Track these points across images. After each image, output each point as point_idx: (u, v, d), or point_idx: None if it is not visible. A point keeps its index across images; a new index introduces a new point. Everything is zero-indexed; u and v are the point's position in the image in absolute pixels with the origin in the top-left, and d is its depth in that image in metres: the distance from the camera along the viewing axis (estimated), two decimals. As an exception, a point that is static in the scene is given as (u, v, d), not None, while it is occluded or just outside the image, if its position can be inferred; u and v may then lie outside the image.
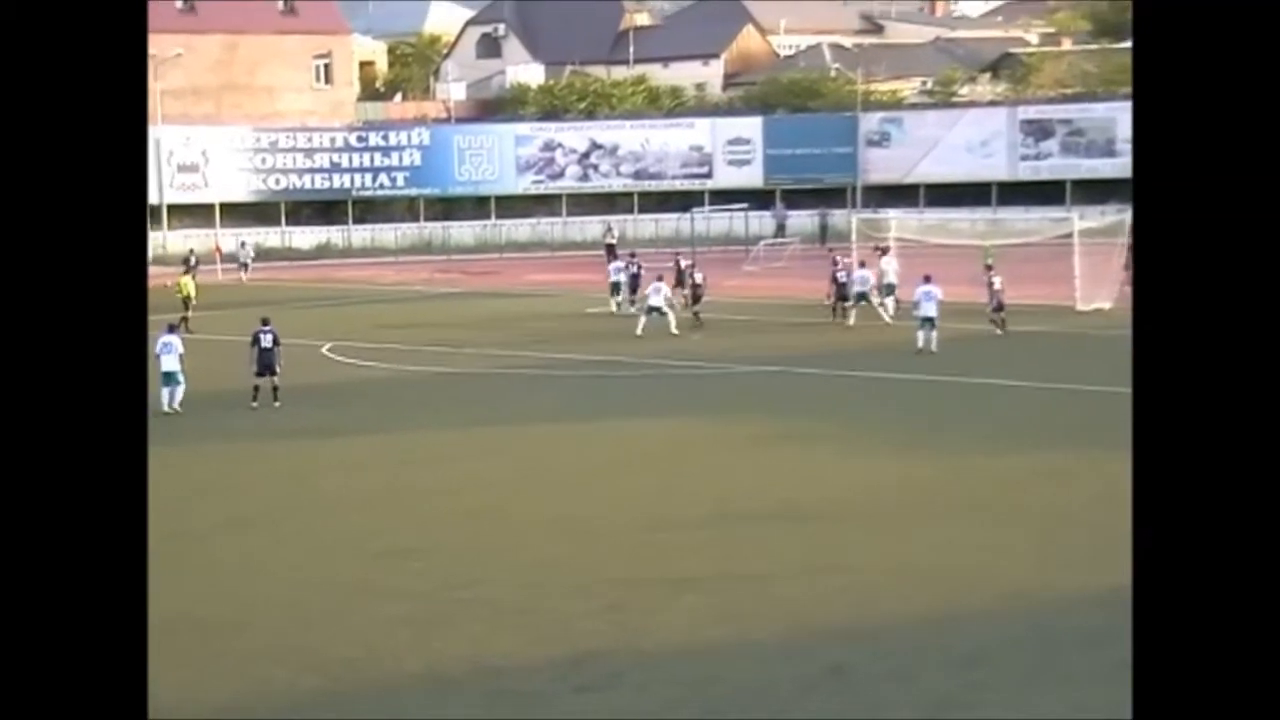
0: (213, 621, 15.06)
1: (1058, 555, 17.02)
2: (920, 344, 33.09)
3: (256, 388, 28.19)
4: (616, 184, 67.56)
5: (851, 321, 38.23)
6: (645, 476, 21.98)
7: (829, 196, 64.71)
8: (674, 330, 36.81)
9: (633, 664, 13.77)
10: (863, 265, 40.31)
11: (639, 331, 36.49)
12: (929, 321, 33.13)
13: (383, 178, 66.43)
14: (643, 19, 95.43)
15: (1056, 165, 62.94)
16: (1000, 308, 36.11)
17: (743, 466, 22.45)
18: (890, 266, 39.83)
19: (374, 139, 66.90)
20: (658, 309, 37.35)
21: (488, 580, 16.49)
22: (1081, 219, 42.81)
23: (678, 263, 42.65)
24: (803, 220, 63.66)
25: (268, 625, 14.99)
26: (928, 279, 34.40)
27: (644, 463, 22.98)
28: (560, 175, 67.66)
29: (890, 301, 39.02)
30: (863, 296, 38.54)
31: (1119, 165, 61.87)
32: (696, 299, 39.60)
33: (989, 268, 37.29)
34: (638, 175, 67.31)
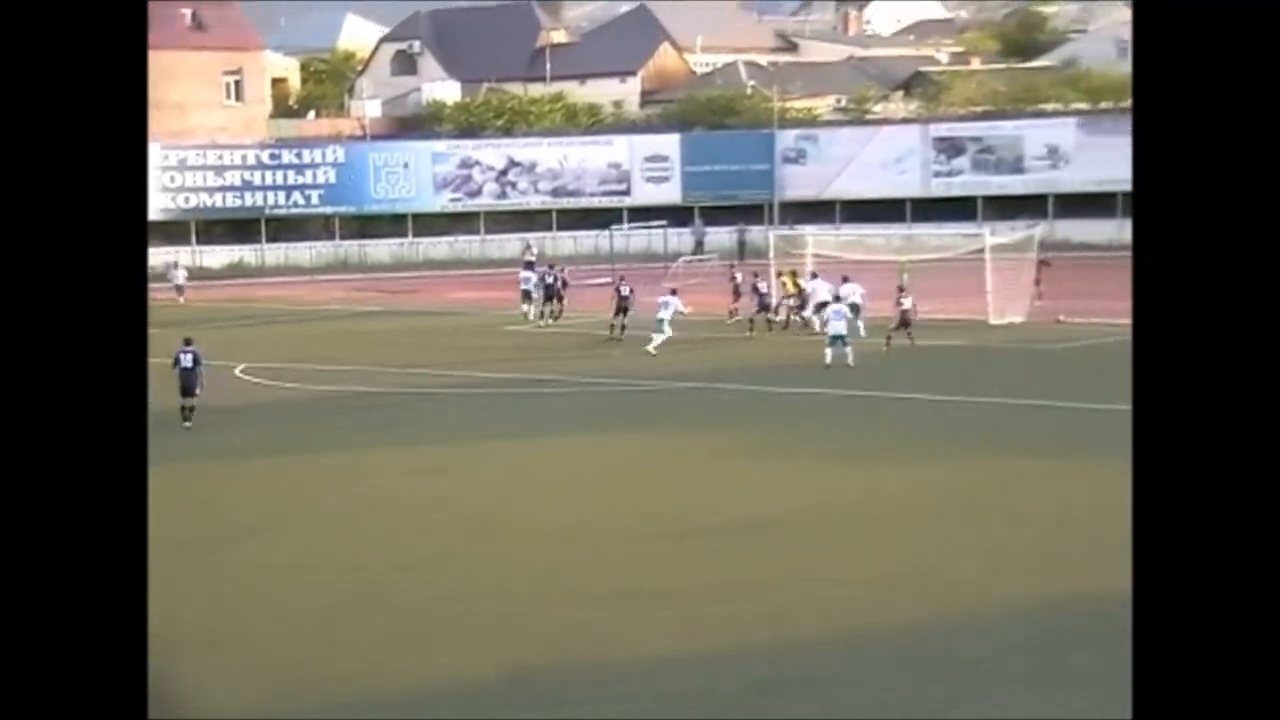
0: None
1: (1021, 561, 17.24)
2: (829, 360, 32.97)
3: (183, 408, 27.89)
4: (535, 201, 67.45)
5: (771, 331, 39.29)
6: (593, 494, 21.85)
7: (747, 213, 64.99)
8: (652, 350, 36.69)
9: (584, 681, 13.67)
10: (814, 276, 40.48)
11: (652, 349, 35.99)
12: (839, 339, 33.23)
13: (296, 195, 65.87)
14: (560, 36, 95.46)
15: (968, 182, 63.58)
16: (906, 324, 36.24)
17: (692, 481, 22.40)
18: (823, 286, 39.97)
19: (287, 156, 66.30)
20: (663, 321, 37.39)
21: (428, 601, 16.30)
22: (993, 234, 43.35)
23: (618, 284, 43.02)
24: (721, 236, 63.88)
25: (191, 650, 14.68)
26: (838, 298, 35.01)
27: (588, 480, 22.86)
28: (478, 193, 67.45)
29: (816, 319, 39.04)
30: (823, 306, 38.64)
31: (1028, 182, 62.99)
32: (623, 310, 39.94)
33: (901, 289, 37.62)
34: (556, 192, 67.26)
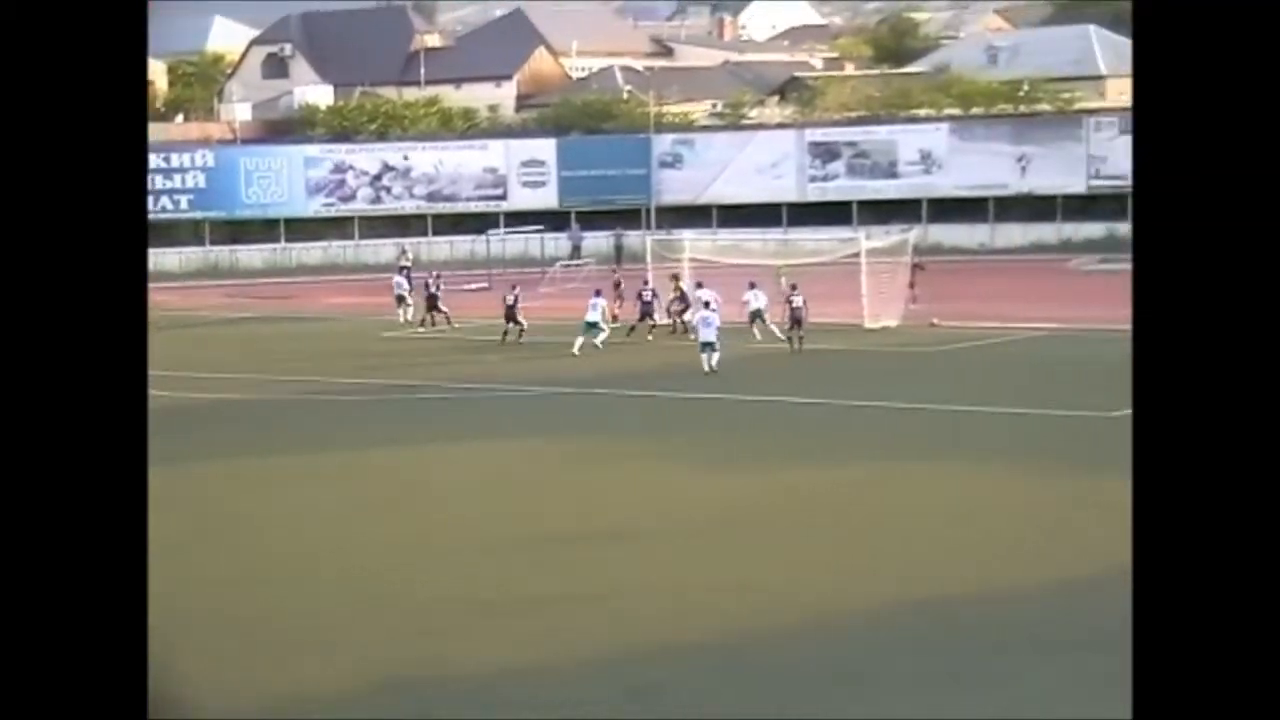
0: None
1: (876, 566, 17.41)
2: (707, 368, 33.29)
3: None
4: (410, 206, 67.05)
5: (652, 336, 39.39)
6: (462, 500, 21.79)
7: (624, 217, 65.02)
8: (575, 351, 36.96)
9: (445, 692, 13.59)
10: (753, 286, 40.34)
11: (575, 350, 36.34)
12: (709, 346, 33.42)
13: (165, 200, 64.92)
14: (434, 40, 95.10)
15: (843, 186, 64.14)
16: (798, 322, 36.81)
17: (561, 487, 22.46)
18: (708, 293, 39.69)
19: (155, 160, 65.25)
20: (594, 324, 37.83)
21: (304, 611, 16.19)
22: (868, 239, 43.89)
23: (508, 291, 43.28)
24: (598, 241, 63.85)
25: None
26: (708, 305, 35.35)
27: (461, 487, 22.82)
28: (352, 197, 66.91)
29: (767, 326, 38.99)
30: (757, 315, 39.00)
31: (902, 186, 63.65)
32: (513, 318, 40.07)
33: (793, 287, 37.83)
34: (431, 197, 66.89)
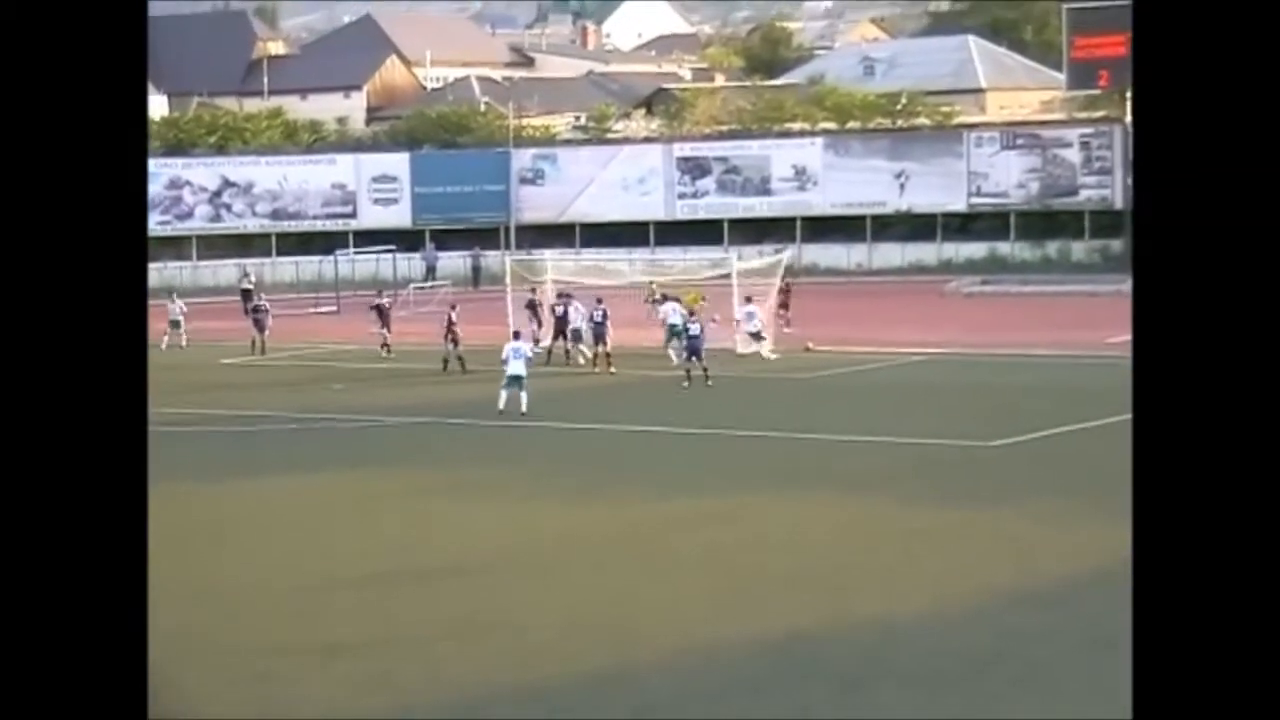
0: None
1: (726, 602, 17.44)
2: (502, 404, 31.62)
3: None
4: (252, 224, 66.27)
5: (582, 361, 39.36)
6: (296, 536, 21.69)
7: (482, 237, 64.96)
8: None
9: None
10: (749, 300, 40.42)
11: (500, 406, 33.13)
12: (517, 380, 31.78)
13: (-15, 219, 63.66)
14: (278, 48, 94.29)
15: (713, 204, 64.52)
16: (696, 353, 36.12)
17: (400, 522, 22.41)
18: (672, 308, 39.83)
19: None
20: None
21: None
22: (740, 259, 44.14)
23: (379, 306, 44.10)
24: (454, 262, 63.76)
25: None
26: (516, 336, 34.32)
27: (295, 522, 22.72)
28: (189, 215, 66.00)
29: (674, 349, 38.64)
30: (757, 336, 39.58)
31: (774, 204, 64.12)
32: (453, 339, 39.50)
33: (692, 312, 37.83)
34: (276, 215, 66.17)
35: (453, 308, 40.59)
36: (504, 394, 31.84)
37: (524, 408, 31.55)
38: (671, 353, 38.70)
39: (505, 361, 32.22)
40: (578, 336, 40.11)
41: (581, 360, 39.66)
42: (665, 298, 40.75)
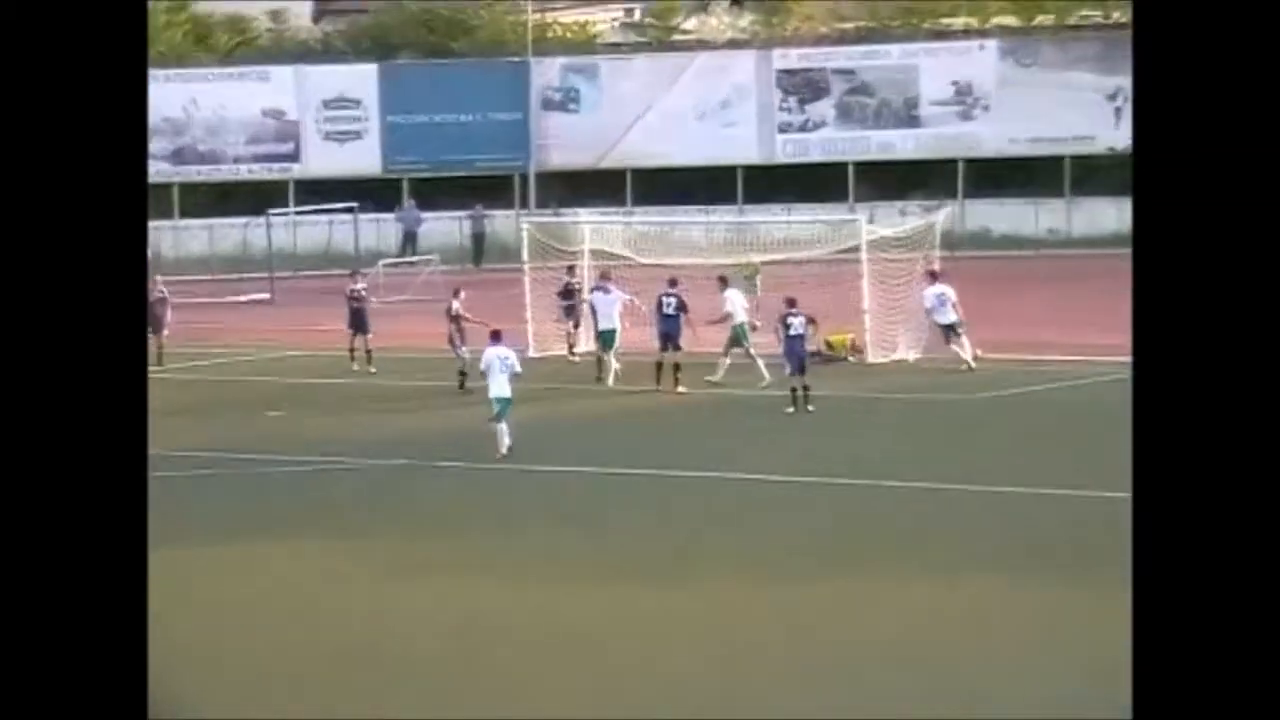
0: None
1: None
2: (505, 446, 32.19)
3: None
4: (148, 171, 66.43)
5: (612, 381, 39.58)
6: (166, 654, 21.66)
7: (486, 190, 64.79)
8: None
9: None
10: (935, 276, 41.08)
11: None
12: (504, 403, 32.46)
13: None
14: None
15: (832, 141, 63.91)
16: (800, 367, 36.37)
17: (347, 628, 22.57)
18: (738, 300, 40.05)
19: None
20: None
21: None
22: (872, 223, 43.84)
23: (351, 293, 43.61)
24: (444, 227, 63.75)
25: None
26: (495, 338, 34.00)
27: (173, 625, 22.22)
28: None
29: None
30: (951, 329, 40.17)
31: (924, 141, 63.52)
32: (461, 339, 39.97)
33: (790, 302, 37.46)
34: (179, 157, 66.09)
35: (457, 294, 40.78)
36: (501, 427, 32.35)
37: (504, 448, 31.95)
38: (727, 362, 39.11)
39: (486, 374, 32.96)
40: (609, 340, 40.12)
41: (611, 377, 39.92)
42: (724, 281, 41.07)
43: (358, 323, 42.73)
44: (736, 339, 39.09)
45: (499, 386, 32.36)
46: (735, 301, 39.58)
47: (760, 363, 38.23)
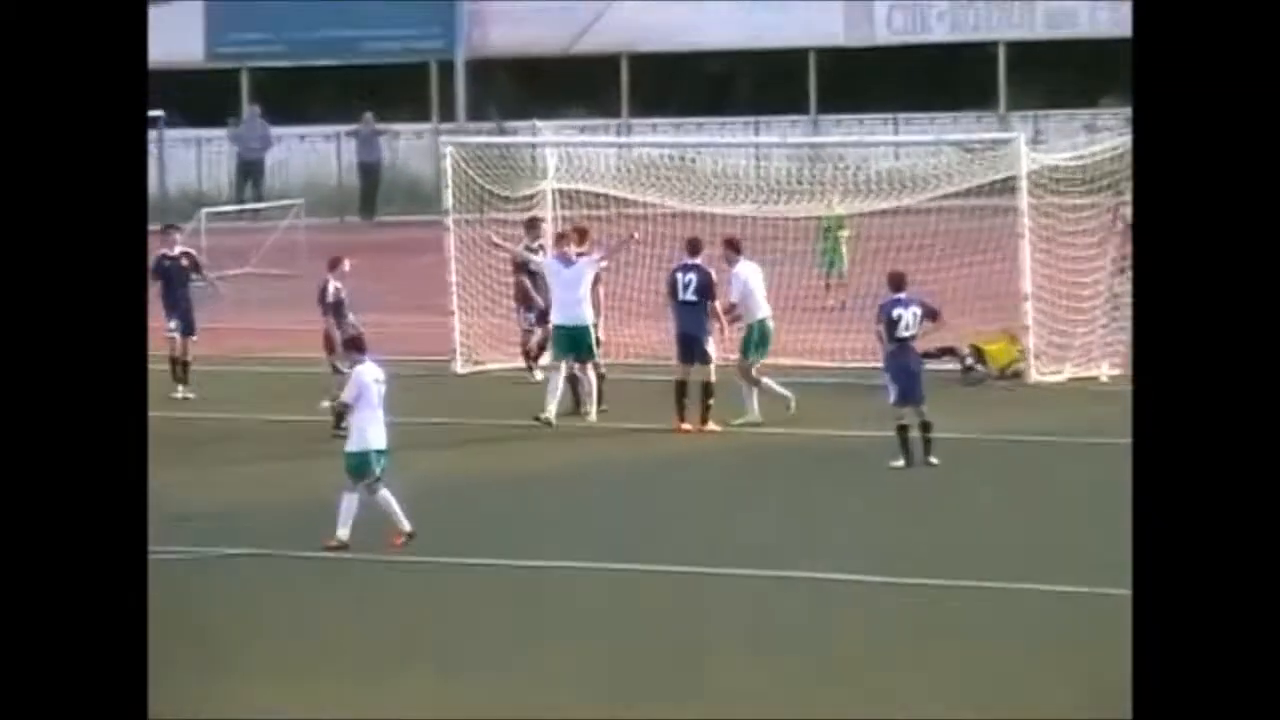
0: None
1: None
2: (404, 531, 28.61)
3: None
4: None
5: (593, 416, 34.00)
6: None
7: (383, 92, 58.86)
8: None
9: None
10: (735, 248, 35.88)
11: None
12: (383, 456, 27.81)
13: None
14: None
15: (971, 9, 56.43)
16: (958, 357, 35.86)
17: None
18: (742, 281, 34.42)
19: None
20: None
21: None
22: (1036, 146, 40.96)
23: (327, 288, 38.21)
24: (314, 152, 58.67)
25: None
26: (355, 347, 32.16)
27: None
28: None
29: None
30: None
31: (1115, 15, 51.80)
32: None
33: (899, 282, 31.94)
34: None
35: (336, 265, 35.03)
36: (386, 496, 27.48)
37: (404, 530, 27.25)
38: (769, 385, 33.48)
39: (347, 409, 28.67)
40: (574, 343, 34.07)
41: (593, 407, 34.10)
42: (735, 247, 34.80)
43: (176, 312, 36.14)
44: (748, 347, 33.23)
45: (375, 430, 27.90)
46: (753, 283, 33.72)
47: (776, 385, 33.37)
